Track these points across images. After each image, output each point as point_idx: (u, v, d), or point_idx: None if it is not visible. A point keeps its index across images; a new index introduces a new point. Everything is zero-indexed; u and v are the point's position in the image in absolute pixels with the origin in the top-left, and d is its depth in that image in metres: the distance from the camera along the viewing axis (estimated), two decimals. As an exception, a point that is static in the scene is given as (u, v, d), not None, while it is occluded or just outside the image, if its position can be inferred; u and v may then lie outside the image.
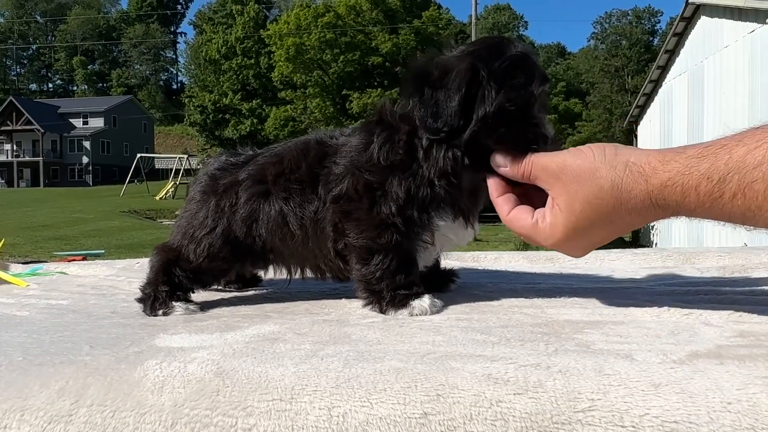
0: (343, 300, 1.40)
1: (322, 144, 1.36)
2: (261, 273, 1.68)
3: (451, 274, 1.51)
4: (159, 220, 27.44)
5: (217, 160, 1.50)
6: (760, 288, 1.38)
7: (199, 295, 1.50)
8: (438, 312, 1.22)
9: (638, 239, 21.18)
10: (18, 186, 60.08)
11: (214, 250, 1.38)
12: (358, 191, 1.25)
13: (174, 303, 1.37)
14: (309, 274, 1.45)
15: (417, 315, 1.20)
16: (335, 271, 1.39)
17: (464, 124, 1.18)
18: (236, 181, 1.39)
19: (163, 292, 1.38)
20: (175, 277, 1.39)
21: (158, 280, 1.39)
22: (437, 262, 1.47)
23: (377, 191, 1.24)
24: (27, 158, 63.45)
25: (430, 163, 1.22)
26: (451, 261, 1.88)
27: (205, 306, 1.43)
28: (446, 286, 1.47)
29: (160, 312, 1.36)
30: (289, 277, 1.47)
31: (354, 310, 1.30)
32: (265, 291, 1.64)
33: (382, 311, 1.24)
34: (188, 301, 1.40)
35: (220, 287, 1.66)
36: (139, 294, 1.41)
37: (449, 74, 1.19)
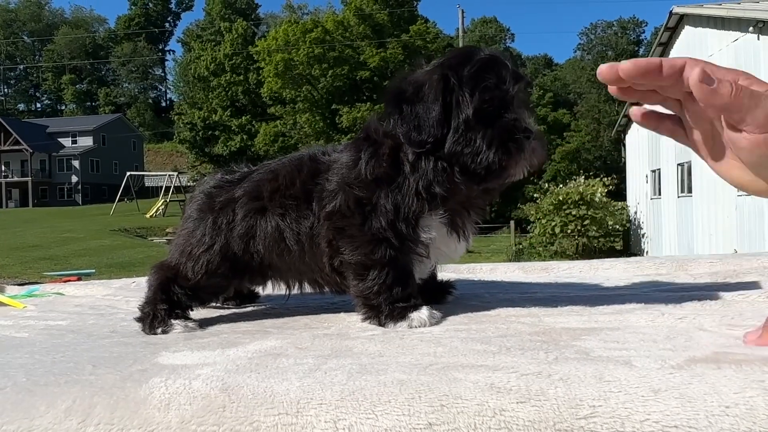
0: (342, 314, 1.41)
1: (315, 161, 1.38)
2: (259, 289, 1.69)
3: (448, 285, 1.52)
4: (149, 238, 27.32)
5: (212, 178, 1.51)
6: (751, 291, 1.40)
7: (197, 313, 1.51)
8: (437, 323, 1.23)
9: (629, 248, 21.27)
10: (6, 206, 59.63)
11: (212, 266, 1.39)
12: (350, 207, 1.27)
13: (173, 321, 1.37)
14: (307, 288, 1.46)
15: (416, 327, 1.21)
16: (332, 285, 1.41)
17: (446, 133, 1.20)
18: (232, 198, 1.41)
19: (162, 310, 1.38)
20: (174, 295, 1.40)
21: (157, 299, 1.40)
22: (434, 274, 1.48)
23: (366, 206, 1.26)
24: (16, 178, 63.03)
25: (419, 174, 1.24)
26: (447, 273, 1.89)
27: (204, 323, 1.44)
28: (444, 298, 1.49)
29: (159, 330, 1.36)
30: (288, 292, 1.49)
31: (353, 323, 1.31)
32: (263, 307, 1.65)
33: (382, 325, 1.25)
34: (187, 318, 1.41)
35: (218, 304, 1.66)
36: (138, 313, 1.42)
37: (423, 88, 1.22)
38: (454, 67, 1.22)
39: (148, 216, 35.99)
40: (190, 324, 1.38)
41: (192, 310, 1.45)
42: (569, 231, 20.17)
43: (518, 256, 20.14)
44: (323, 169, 1.35)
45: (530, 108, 1.27)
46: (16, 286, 2.36)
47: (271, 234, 1.36)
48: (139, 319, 1.40)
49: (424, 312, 1.24)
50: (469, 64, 1.22)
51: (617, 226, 21.51)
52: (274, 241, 1.36)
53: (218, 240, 1.39)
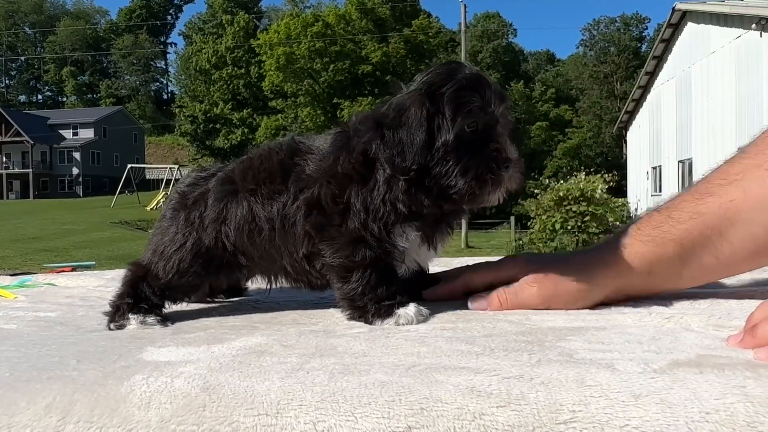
0: (331, 309, 1.40)
1: (296, 142, 1.37)
2: (249, 283, 1.67)
3: (438, 281, 1.51)
4: (150, 231, 27.31)
5: (187, 177, 1.51)
6: (741, 289, 1.39)
7: (190, 305, 1.52)
8: (425, 320, 1.22)
9: (629, 244, 21.27)
10: (7, 198, 59.72)
11: (184, 265, 1.37)
12: (329, 204, 1.25)
13: (130, 315, 1.35)
14: (282, 281, 1.44)
15: (403, 324, 1.20)
16: (302, 275, 1.37)
17: (429, 159, 1.18)
18: (205, 191, 1.39)
19: (125, 304, 1.37)
20: (142, 293, 1.38)
21: (124, 295, 1.39)
22: (424, 270, 1.47)
23: (340, 204, 1.24)
24: (16, 170, 63.14)
25: (391, 189, 1.22)
26: (438, 267, 1.88)
27: (193, 316, 1.43)
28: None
29: (112, 326, 1.35)
30: (268, 286, 1.47)
31: (341, 319, 1.30)
32: (253, 299, 1.64)
33: (369, 323, 1.24)
34: (148, 313, 1.37)
35: (208, 298, 1.65)
36: (108, 308, 1.41)
37: (405, 112, 1.19)
38: (435, 87, 1.19)
39: (148, 209, 36.08)
40: (150, 319, 1.35)
41: (163, 308, 1.43)
42: (569, 227, 20.16)
43: (518, 251, 20.15)
44: (304, 149, 1.33)
45: (512, 130, 1.25)
46: (8, 276, 2.36)
47: (242, 214, 1.33)
48: (106, 313, 1.39)
49: (411, 309, 1.22)
50: (451, 84, 1.18)
51: (618, 223, 21.46)
52: (244, 221, 1.32)
53: (191, 237, 1.37)
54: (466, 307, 1.32)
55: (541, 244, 20.61)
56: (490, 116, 1.19)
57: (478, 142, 1.18)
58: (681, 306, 1.21)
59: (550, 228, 20.35)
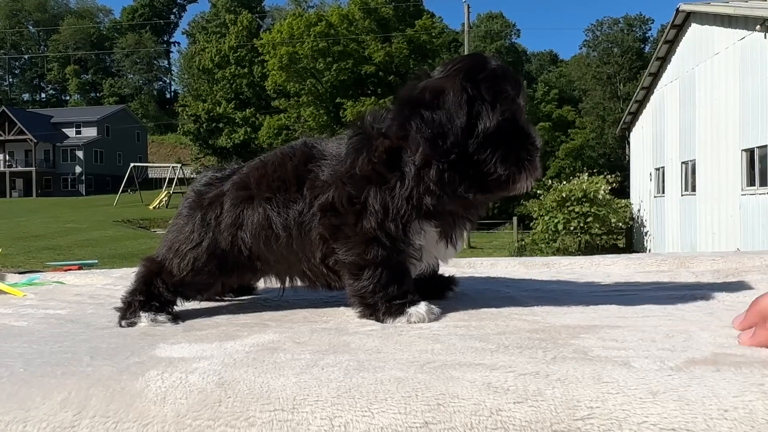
0: (341, 308, 1.40)
1: (309, 147, 1.37)
2: (260, 282, 1.68)
3: (449, 281, 1.52)
4: (152, 230, 27.35)
5: (204, 176, 1.51)
6: (752, 290, 1.39)
7: (198, 303, 1.52)
8: (436, 319, 1.23)
9: (632, 246, 21.26)
10: (10, 196, 59.66)
11: (199, 264, 1.38)
12: (343, 205, 1.25)
13: (141, 313, 1.36)
14: (297, 282, 1.44)
15: (414, 322, 1.21)
16: (321, 278, 1.38)
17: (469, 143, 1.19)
18: (221, 193, 1.40)
19: (137, 301, 1.38)
20: (155, 289, 1.39)
21: (137, 291, 1.39)
22: (434, 270, 1.47)
23: (356, 204, 1.25)
24: (19, 168, 63.11)
25: (421, 181, 1.22)
26: (447, 267, 1.89)
27: (203, 313, 1.44)
28: (445, 294, 1.48)
29: (124, 323, 1.35)
30: (282, 287, 1.47)
31: (352, 317, 1.30)
32: (262, 298, 1.64)
33: (379, 321, 1.25)
34: (160, 311, 1.38)
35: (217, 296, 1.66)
36: (119, 303, 1.41)
37: (443, 95, 1.19)
38: (471, 74, 1.20)
39: (151, 207, 36.07)
40: (161, 317, 1.36)
41: (174, 305, 1.44)
42: (572, 228, 20.16)
43: (520, 252, 20.14)
44: (317, 155, 1.34)
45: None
46: (17, 275, 2.36)
47: (258, 221, 1.33)
48: (117, 309, 1.40)
49: (422, 307, 1.23)
50: (486, 73, 1.21)
51: (620, 224, 21.47)
52: (260, 228, 1.33)
53: (206, 237, 1.38)
54: (478, 307, 1.32)
55: (543, 245, 20.58)
56: (517, 106, 1.22)
57: (511, 129, 1.21)
58: (692, 306, 1.22)
59: (553, 229, 20.34)
